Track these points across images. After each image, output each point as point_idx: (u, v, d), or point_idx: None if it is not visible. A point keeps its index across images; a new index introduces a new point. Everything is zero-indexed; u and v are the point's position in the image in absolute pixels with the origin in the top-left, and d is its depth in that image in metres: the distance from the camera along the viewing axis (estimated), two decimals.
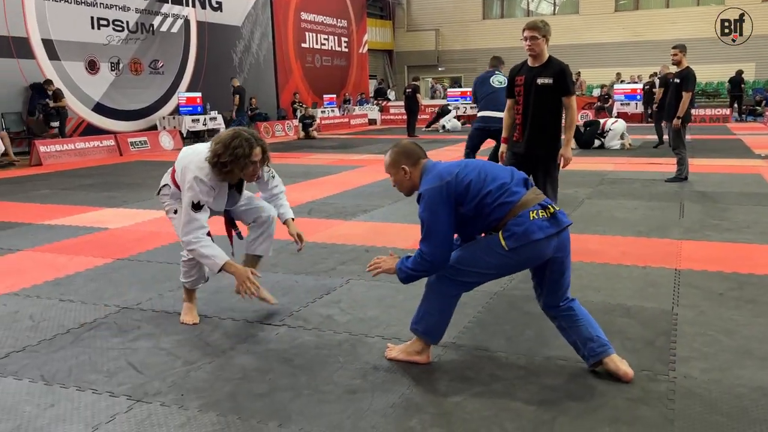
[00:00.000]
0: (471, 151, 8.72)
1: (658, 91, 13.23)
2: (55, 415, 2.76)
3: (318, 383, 2.98)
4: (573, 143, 13.74)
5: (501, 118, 7.85)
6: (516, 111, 5.01)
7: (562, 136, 4.98)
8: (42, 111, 14.27)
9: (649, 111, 21.25)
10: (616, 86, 23.19)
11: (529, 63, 4.93)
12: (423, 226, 2.95)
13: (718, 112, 22.14)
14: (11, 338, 3.66)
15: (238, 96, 18.40)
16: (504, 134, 5.19)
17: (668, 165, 10.02)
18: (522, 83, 4.91)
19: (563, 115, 4.99)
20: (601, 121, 14.24)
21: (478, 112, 8.47)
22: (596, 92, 24.75)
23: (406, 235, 5.99)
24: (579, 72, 26.24)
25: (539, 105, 4.84)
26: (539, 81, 4.81)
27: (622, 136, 13.80)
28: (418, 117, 19.67)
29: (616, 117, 17.03)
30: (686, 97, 8.81)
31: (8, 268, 5.19)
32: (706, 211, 6.78)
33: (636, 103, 22.21)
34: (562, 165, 4.95)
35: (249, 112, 20.38)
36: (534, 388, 2.87)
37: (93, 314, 4.02)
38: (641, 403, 2.71)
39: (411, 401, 2.79)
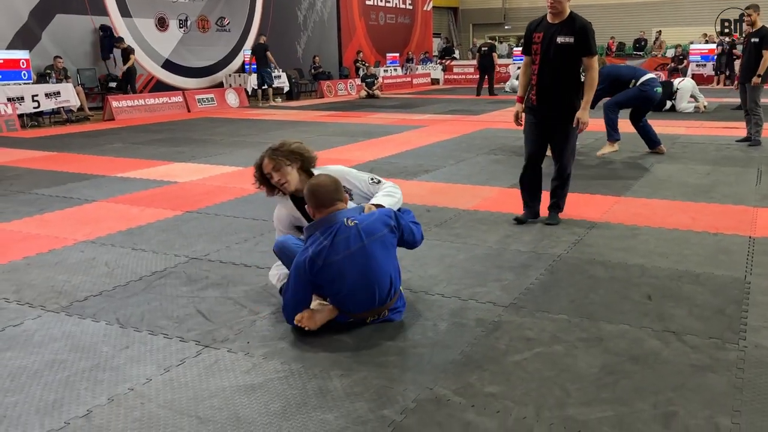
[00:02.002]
0: None
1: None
2: (130, 356, 2.90)
3: (379, 338, 3.03)
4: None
5: None
6: (532, 71, 4.62)
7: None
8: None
9: (727, 72, 20.34)
10: (692, 47, 22.12)
11: (549, 19, 4.54)
12: None
13: None
14: (89, 283, 3.84)
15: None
16: (519, 93, 4.84)
17: (744, 129, 9.57)
18: (540, 41, 4.51)
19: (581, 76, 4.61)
20: (675, 82, 13.67)
21: None
22: (671, 53, 23.68)
23: (468, 195, 5.96)
24: (660, 31, 25.17)
25: (558, 65, 4.48)
26: (559, 40, 4.43)
27: (693, 98, 13.23)
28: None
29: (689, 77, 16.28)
30: (766, 55, 8.40)
31: (85, 217, 5.42)
32: None
33: (712, 65, 21.22)
34: (579, 130, 4.62)
35: (312, 71, 20.46)
36: (596, 351, 2.84)
37: (164, 263, 4.17)
38: (708, 370, 2.65)
39: (470, 358, 2.80)
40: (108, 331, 3.17)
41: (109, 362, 2.84)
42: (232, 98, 16.51)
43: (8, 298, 3.63)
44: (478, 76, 19.66)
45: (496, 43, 19.61)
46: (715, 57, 20.91)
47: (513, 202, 5.35)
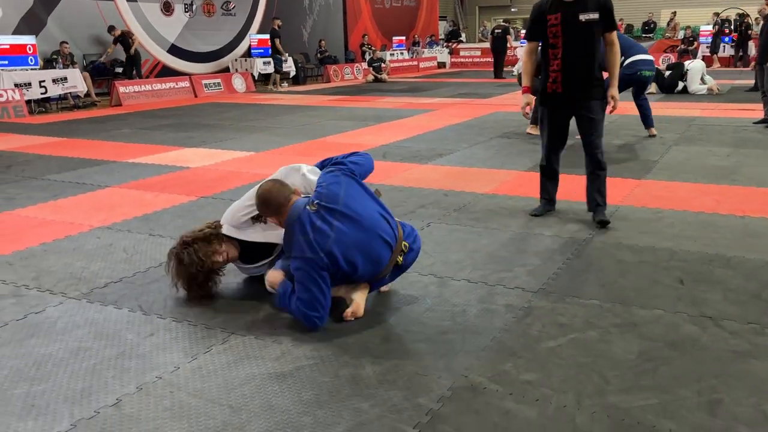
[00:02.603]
0: None
1: None
2: (155, 343, 2.85)
3: (407, 324, 2.98)
4: (654, 87, 13.28)
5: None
6: (552, 56, 4.28)
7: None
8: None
9: (740, 53, 20.11)
10: (702, 27, 21.87)
11: None
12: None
13: None
14: (108, 269, 3.79)
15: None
16: (526, 82, 4.53)
17: (761, 111, 9.44)
18: (559, 21, 4.20)
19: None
20: (685, 63, 13.51)
21: None
22: (681, 35, 23.43)
23: (485, 179, 5.88)
24: (674, 12, 24.87)
25: (584, 45, 4.20)
26: (582, 17, 4.15)
27: (703, 80, 13.08)
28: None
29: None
30: None
31: (99, 203, 5.36)
32: None
33: (723, 46, 20.99)
34: (610, 108, 4.35)
35: (318, 55, 20.30)
36: (631, 336, 2.78)
37: None
38: (749, 356, 2.58)
39: (503, 344, 2.74)
40: (131, 318, 3.11)
41: (134, 350, 2.79)
42: (238, 83, 16.39)
43: (28, 284, 3.58)
44: (490, 60, 19.47)
45: (510, 26, 19.27)
46: (712, 37, 20.74)
47: (532, 186, 5.26)
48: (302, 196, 3.08)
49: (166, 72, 15.98)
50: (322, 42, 20.44)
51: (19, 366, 2.68)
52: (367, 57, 21.00)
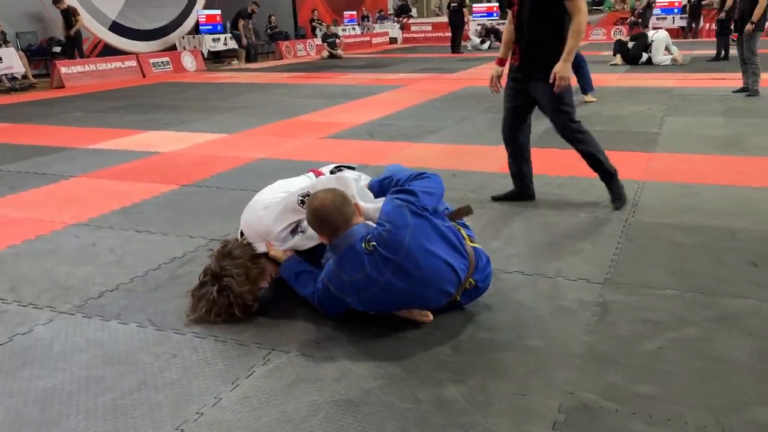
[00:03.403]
0: None
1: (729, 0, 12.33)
2: (183, 367, 2.36)
3: (474, 328, 2.57)
4: (618, 59, 13.15)
5: None
6: (516, 26, 3.85)
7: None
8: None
9: (692, 25, 20.28)
10: None
11: None
12: None
13: None
14: (98, 275, 3.25)
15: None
16: (500, 54, 4.07)
17: (734, 80, 9.39)
18: None
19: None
20: (650, 34, 13.41)
21: None
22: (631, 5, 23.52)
23: (488, 157, 5.50)
24: None
25: (538, 15, 3.70)
26: None
27: (669, 50, 13.02)
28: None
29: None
30: (762, 1, 8.12)
31: (67, 195, 4.75)
32: None
33: (673, 17, 21.14)
34: (555, 86, 3.69)
35: (268, 31, 19.50)
36: (737, 333, 2.45)
37: (180, 247, 3.60)
38: None
39: (596, 350, 2.37)
40: (143, 336, 2.61)
41: (159, 377, 2.30)
42: (188, 62, 15.53)
43: (5, 298, 3.02)
44: (443, 35, 19.07)
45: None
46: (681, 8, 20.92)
47: (542, 164, 4.93)
48: (363, 220, 2.54)
49: (108, 51, 15.00)
50: (272, 17, 19.62)
51: (18, 407, 2.16)
52: (318, 33, 20.34)
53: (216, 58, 17.20)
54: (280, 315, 2.74)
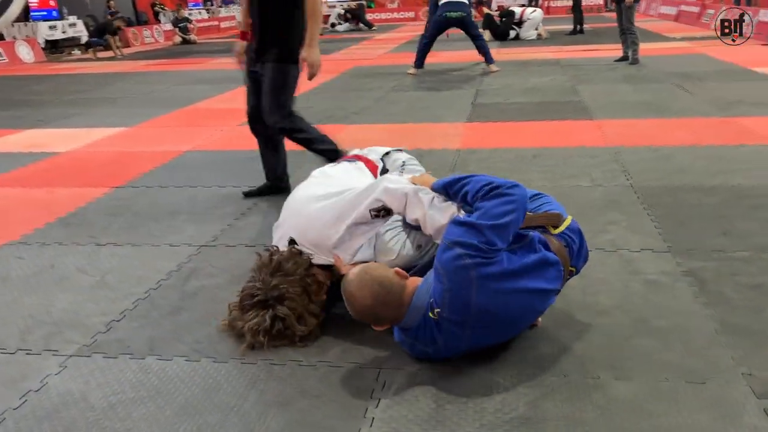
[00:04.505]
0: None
1: None
2: (283, 402, 1.89)
3: (586, 315, 2.33)
4: (488, 35, 13.50)
5: None
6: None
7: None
8: None
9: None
10: None
11: None
12: None
13: (593, 2, 22.59)
14: (87, 303, 2.60)
15: None
16: (242, 27, 3.69)
17: (604, 50, 9.98)
18: None
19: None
20: (517, 10, 13.84)
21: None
22: None
23: (438, 134, 5.28)
24: None
25: None
26: None
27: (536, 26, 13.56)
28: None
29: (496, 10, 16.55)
30: None
31: None
32: (710, 92, 6.55)
33: None
34: (308, 74, 3.42)
35: (109, 17, 17.82)
36: None
37: (167, 259, 3.00)
38: None
39: (741, 329, 2.17)
40: (198, 370, 2.09)
41: (270, 424, 1.82)
42: (24, 52, 13.77)
43: None
44: None
45: None
46: None
47: (496, 137, 4.82)
48: (408, 277, 2.02)
49: None
50: (111, 3, 17.94)
51: None
52: (162, 18, 18.99)
53: (53, 48, 15.42)
54: (345, 327, 2.30)
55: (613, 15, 9.46)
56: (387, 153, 2.74)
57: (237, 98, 7.70)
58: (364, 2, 21.74)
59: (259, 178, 3.94)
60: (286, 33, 3.39)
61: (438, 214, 2.12)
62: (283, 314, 2.15)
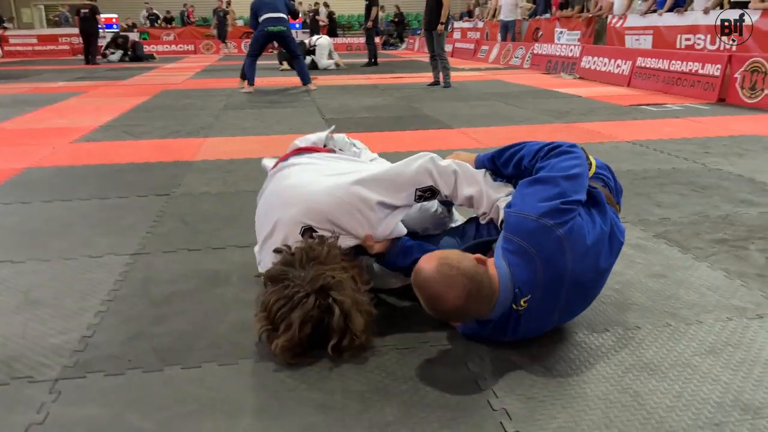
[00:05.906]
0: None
1: (374, 10, 13.57)
2: (381, 407, 1.63)
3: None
4: (286, 65, 13.48)
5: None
6: None
7: None
8: None
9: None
10: None
11: None
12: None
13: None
14: (33, 323, 2.02)
15: None
16: None
17: (411, 78, 10.58)
18: None
19: None
20: (306, 40, 14.04)
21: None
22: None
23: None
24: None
25: None
26: None
27: (330, 55, 13.81)
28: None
29: None
30: (447, 2, 9.22)
31: None
32: (537, 106, 7.18)
33: (296, 32, 22.55)
34: None
35: None
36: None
37: (103, 271, 2.47)
38: None
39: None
40: (242, 373, 1.73)
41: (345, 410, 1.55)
42: None
43: None
44: (45, 48, 16.85)
45: (97, 5, 16.63)
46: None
47: (371, 143, 4.79)
48: (488, 266, 1.74)
49: None
50: None
51: None
52: None
53: None
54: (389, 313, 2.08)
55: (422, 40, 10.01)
56: (329, 138, 2.60)
57: (47, 119, 6.80)
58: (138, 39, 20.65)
59: (138, 189, 3.47)
60: None
61: (493, 191, 2.03)
62: (340, 299, 1.79)
